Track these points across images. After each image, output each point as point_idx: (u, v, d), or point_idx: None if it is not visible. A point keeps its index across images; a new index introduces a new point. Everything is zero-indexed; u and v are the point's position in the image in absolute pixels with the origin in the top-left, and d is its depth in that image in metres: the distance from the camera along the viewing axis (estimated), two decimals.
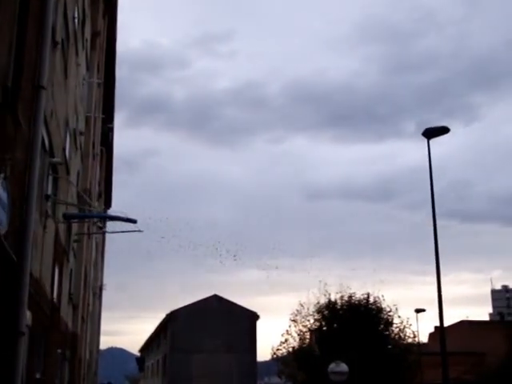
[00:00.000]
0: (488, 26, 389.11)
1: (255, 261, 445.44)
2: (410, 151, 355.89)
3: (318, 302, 41.69)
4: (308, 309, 41.91)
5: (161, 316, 73.10)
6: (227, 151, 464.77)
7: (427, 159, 24.48)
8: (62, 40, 14.85)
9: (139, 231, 18.46)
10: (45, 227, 13.24)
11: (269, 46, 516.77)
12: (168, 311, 68.72)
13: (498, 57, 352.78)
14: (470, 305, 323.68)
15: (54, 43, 12.89)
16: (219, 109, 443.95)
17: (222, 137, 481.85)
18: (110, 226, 20.37)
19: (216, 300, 68.89)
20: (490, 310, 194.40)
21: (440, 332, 24.93)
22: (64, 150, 16.52)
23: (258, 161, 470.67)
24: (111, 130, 35.27)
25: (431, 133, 24.65)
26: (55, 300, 16.39)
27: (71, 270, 21.76)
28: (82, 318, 26.28)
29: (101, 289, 46.92)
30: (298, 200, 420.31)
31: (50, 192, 14.25)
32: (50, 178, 14.35)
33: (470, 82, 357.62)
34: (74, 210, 19.48)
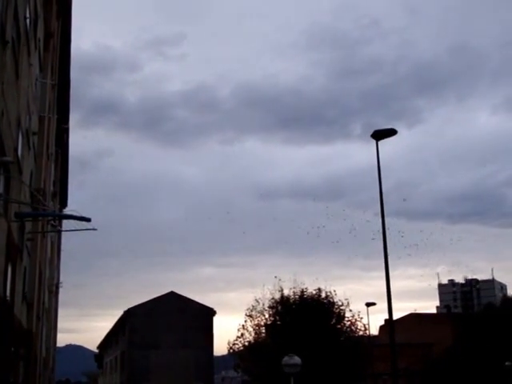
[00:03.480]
0: (430, 34, 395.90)
1: (210, 258, 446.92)
2: (357, 152, 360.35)
3: (273, 298, 42.42)
4: (263, 304, 42.61)
5: (119, 313, 73.32)
6: (180, 152, 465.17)
7: (374, 160, 24.95)
8: (13, 39, 14.95)
9: (93, 229, 18.76)
10: None
11: (219, 51, 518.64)
12: (126, 308, 68.92)
13: (440, 63, 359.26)
14: (418, 299, 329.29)
15: (4, 42, 13.05)
16: (171, 111, 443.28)
17: (175, 138, 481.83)
18: (66, 224, 20.59)
19: (173, 297, 69.22)
20: (438, 304, 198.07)
21: (389, 324, 25.60)
22: (16, 149, 16.71)
23: (210, 162, 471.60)
24: (66, 130, 35.25)
25: (380, 135, 25.10)
26: (8, 298, 16.58)
27: (25, 268, 21.89)
28: (37, 315, 26.41)
29: (57, 287, 46.87)
30: (250, 199, 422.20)
31: (1, 191, 14.47)
32: (2, 177, 14.55)
33: (413, 86, 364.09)
34: (27, 209, 19.69)
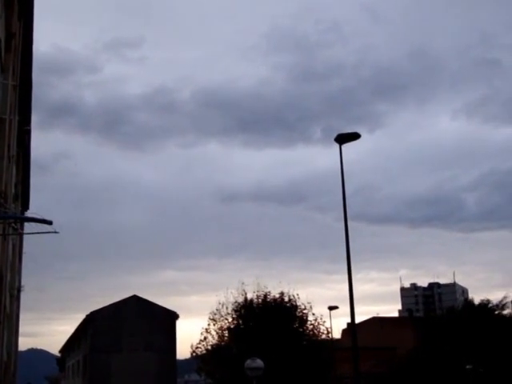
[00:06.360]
0: (390, 38, 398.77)
1: (172, 262, 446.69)
2: (318, 156, 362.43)
3: (236, 301, 42.53)
4: (227, 308, 42.69)
5: (81, 317, 72.83)
6: (140, 155, 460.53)
7: (335, 163, 25.15)
8: None
9: (55, 232, 18.67)
10: None
11: (179, 54, 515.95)
12: (88, 312, 68.52)
13: (400, 68, 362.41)
14: (380, 302, 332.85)
15: None
16: (131, 113, 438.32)
17: (135, 141, 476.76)
18: (27, 227, 20.44)
19: (135, 300, 69.04)
20: (400, 307, 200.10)
21: (351, 328, 25.80)
22: None
23: (170, 165, 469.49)
24: (28, 132, 34.94)
25: (343, 138, 25.27)
26: None
27: None
28: None
29: (19, 290, 46.41)
30: (212, 203, 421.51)
31: None
32: None
33: (373, 91, 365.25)
34: None
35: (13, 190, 31.33)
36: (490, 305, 66.27)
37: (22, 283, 49.11)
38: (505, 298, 67.72)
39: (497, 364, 56.44)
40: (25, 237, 28.05)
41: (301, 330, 42.17)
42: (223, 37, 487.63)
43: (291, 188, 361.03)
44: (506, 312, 67.09)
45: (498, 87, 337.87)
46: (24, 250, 48.63)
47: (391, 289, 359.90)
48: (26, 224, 20.70)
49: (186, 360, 78.59)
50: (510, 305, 68.84)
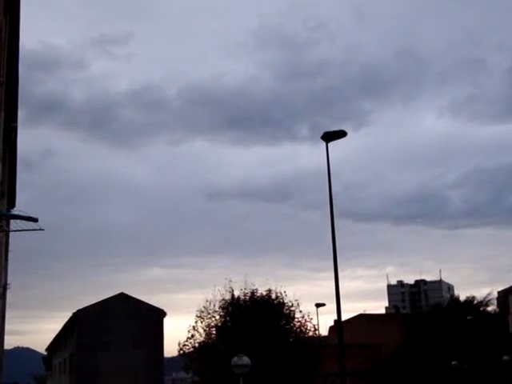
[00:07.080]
0: (376, 37, 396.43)
1: (159, 259, 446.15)
2: (304, 154, 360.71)
3: (223, 299, 42.56)
4: (214, 305, 42.72)
5: (67, 315, 72.63)
6: (127, 152, 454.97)
7: (321, 161, 25.10)
8: None
9: (40, 229, 18.69)
10: None
11: (166, 50, 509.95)
12: (74, 310, 68.33)
13: (386, 66, 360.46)
14: (367, 299, 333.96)
15: None
16: (118, 110, 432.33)
17: (122, 138, 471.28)
18: (13, 225, 20.41)
19: (123, 298, 68.87)
20: (387, 304, 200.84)
21: (338, 325, 25.84)
22: None
23: (158, 162, 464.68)
24: (14, 129, 34.82)
25: (329, 136, 25.26)
26: None
27: None
28: None
29: (5, 288, 46.24)
30: (199, 200, 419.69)
31: None
32: None
33: (359, 89, 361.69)
34: None
35: None
36: (475, 301, 66.80)
37: (8, 281, 48.92)
38: (489, 294, 68.42)
39: (481, 360, 56.88)
40: (11, 234, 27.92)
41: (288, 327, 42.26)
42: (210, 34, 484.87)
43: (278, 186, 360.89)
44: (490, 308, 67.87)
45: (484, 86, 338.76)
46: (10, 247, 48.47)
47: (378, 286, 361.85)
48: (11, 221, 20.70)
49: (173, 358, 78.66)
50: (494, 301, 69.60)
